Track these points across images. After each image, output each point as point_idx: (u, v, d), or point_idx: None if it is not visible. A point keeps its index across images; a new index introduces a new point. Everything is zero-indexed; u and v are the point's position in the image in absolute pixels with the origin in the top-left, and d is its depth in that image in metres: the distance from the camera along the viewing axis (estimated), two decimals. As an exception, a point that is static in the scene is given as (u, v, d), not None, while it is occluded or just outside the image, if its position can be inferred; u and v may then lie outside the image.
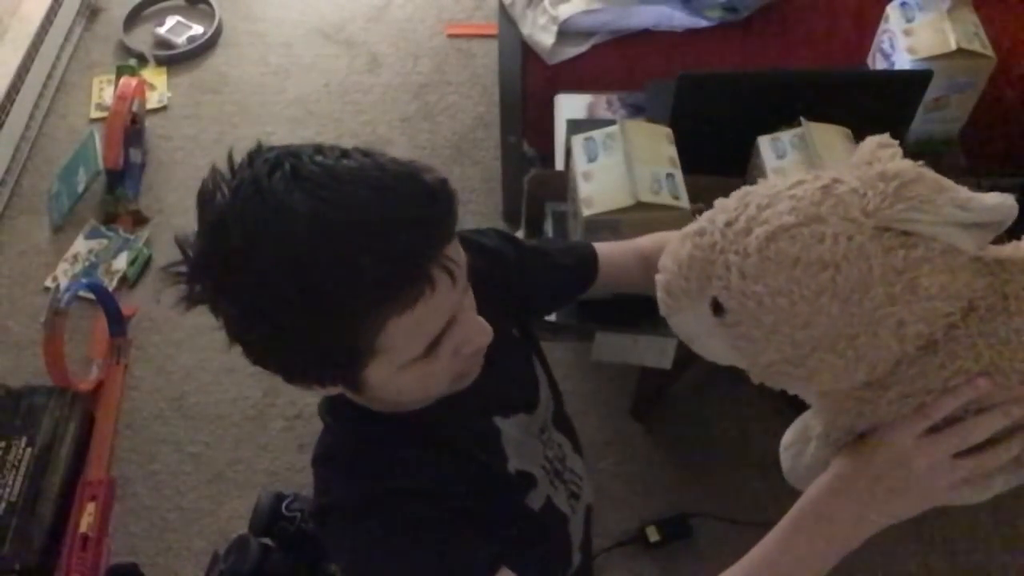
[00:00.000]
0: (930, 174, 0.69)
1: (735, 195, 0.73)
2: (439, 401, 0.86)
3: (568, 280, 1.09)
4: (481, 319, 0.78)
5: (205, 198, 0.69)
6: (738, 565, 0.79)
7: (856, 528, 0.76)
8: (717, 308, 0.71)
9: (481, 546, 0.82)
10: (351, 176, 0.67)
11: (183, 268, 0.70)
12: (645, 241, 1.12)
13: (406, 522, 0.81)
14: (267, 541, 1.06)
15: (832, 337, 0.69)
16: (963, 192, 0.68)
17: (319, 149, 0.70)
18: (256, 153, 0.70)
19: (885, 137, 0.73)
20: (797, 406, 0.84)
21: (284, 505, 1.19)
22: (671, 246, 0.75)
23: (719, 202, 0.74)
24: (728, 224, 0.71)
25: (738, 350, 0.73)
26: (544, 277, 1.05)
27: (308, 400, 0.88)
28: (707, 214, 0.74)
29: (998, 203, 0.67)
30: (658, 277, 0.76)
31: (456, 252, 0.72)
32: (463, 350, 0.77)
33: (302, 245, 0.65)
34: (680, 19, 1.90)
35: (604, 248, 1.09)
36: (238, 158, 0.71)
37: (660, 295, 0.76)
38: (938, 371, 0.70)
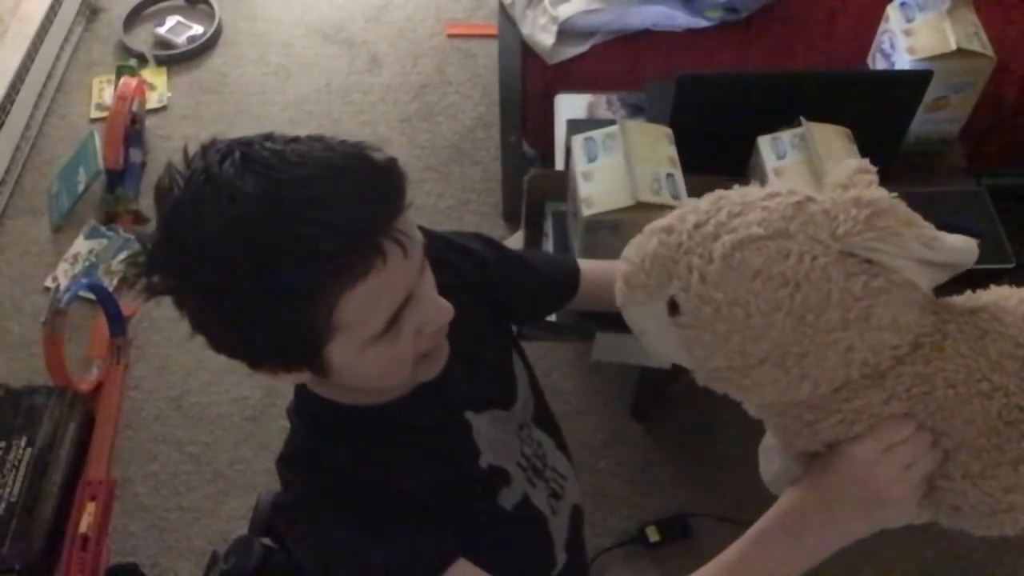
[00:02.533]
0: (902, 207, 0.69)
1: (708, 197, 0.73)
2: (408, 394, 0.86)
3: (547, 292, 1.09)
4: (441, 298, 0.79)
5: (162, 193, 0.71)
6: (699, 573, 0.81)
7: (819, 543, 0.78)
8: (673, 308, 0.72)
9: (434, 541, 0.82)
10: (300, 158, 0.69)
11: (141, 259, 0.71)
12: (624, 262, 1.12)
13: (360, 517, 0.81)
14: (267, 541, 1.06)
15: (781, 352, 0.69)
16: (930, 230, 0.69)
17: (269, 136, 0.72)
18: (208, 146, 0.71)
19: (865, 162, 0.74)
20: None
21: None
22: (637, 238, 0.75)
23: (692, 202, 0.74)
24: (697, 226, 0.71)
25: (688, 351, 0.74)
26: (524, 285, 1.06)
27: (308, 400, 0.89)
28: (677, 212, 0.74)
29: (962, 246, 0.68)
30: (620, 265, 0.76)
31: (408, 227, 0.73)
32: (425, 329, 0.78)
33: (253, 224, 0.66)
34: (680, 19, 1.90)
35: (587, 265, 1.10)
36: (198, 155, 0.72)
37: (619, 284, 0.76)
38: (882, 406, 0.73)
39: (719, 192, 0.74)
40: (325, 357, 0.74)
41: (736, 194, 0.73)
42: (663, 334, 0.74)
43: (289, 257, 0.67)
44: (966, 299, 0.76)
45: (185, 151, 0.72)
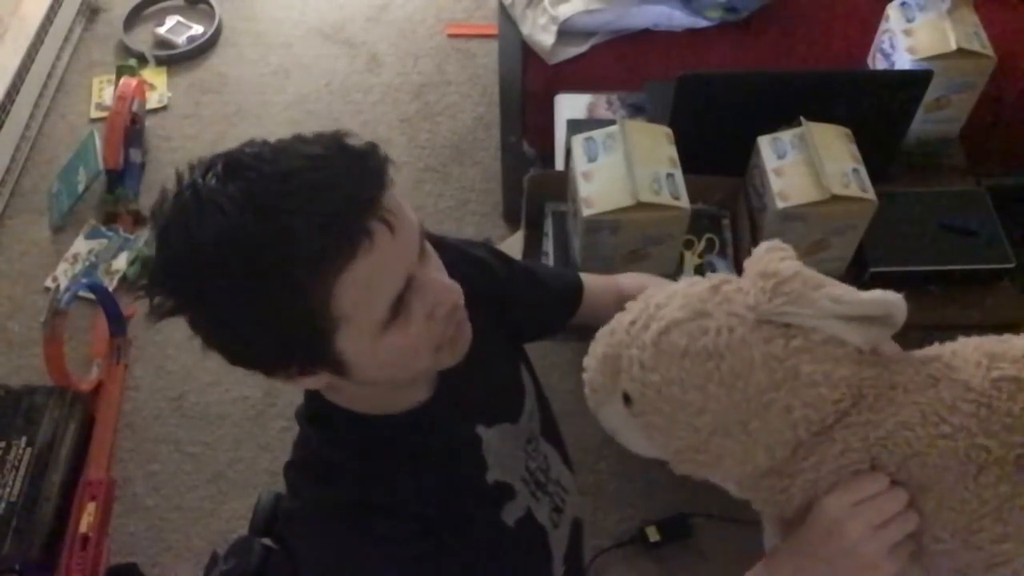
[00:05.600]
0: (809, 273, 0.74)
1: (640, 297, 0.81)
2: (423, 405, 0.86)
3: (553, 307, 1.09)
4: (448, 279, 0.79)
5: (155, 215, 0.72)
6: None
7: None
8: (627, 399, 0.78)
9: (441, 566, 0.82)
10: (276, 154, 0.70)
11: (144, 282, 0.73)
12: (626, 281, 1.13)
13: (371, 536, 0.81)
14: (267, 541, 1.06)
15: (726, 423, 0.74)
16: (839, 288, 0.73)
17: (250, 142, 0.72)
18: (195, 164, 0.72)
19: (776, 242, 0.79)
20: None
21: (284, 505, 1.20)
22: (591, 346, 0.82)
23: (628, 305, 0.81)
24: (632, 323, 0.78)
25: (650, 439, 0.79)
26: (531, 300, 1.05)
27: (308, 400, 0.89)
28: (617, 316, 0.81)
29: (874, 298, 0.72)
30: (584, 375, 0.82)
31: (395, 206, 0.72)
32: (436, 313, 0.77)
33: (238, 226, 0.67)
34: (680, 19, 1.90)
35: (588, 280, 1.10)
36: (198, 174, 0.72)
37: (586, 391, 0.83)
38: (838, 458, 0.75)
39: (649, 291, 0.81)
40: (337, 353, 0.73)
41: (662, 290, 0.80)
42: (628, 428, 0.80)
43: (276, 252, 0.67)
44: (923, 352, 0.79)
45: (177, 173, 0.72)
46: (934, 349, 0.79)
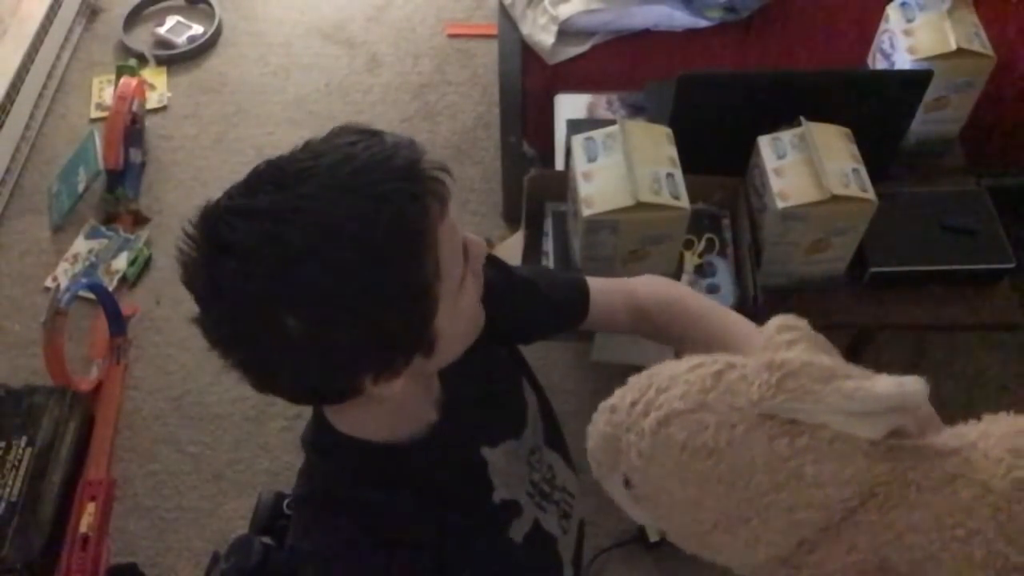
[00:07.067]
0: (818, 363, 0.69)
1: (644, 374, 0.77)
2: (428, 434, 0.85)
3: (554, 319, 1.08)
4: (472, 234, 0.81)
5: (191, 271, 0.68)
6: None
7: None
8: (627, 482, 0.75)
9: None
10: (318, 153, 0.69)
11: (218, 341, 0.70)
12: (641, 288, 1.10)
13: (384, 570, 0.80)
14: (267, 540, 1.07)
15: (727, 519, 0.71)
16: (851, 382, 0.67)
17: (268, 163, 0.70)
18: (211, 208, 0.68)
19: (790, 318, 0.75)
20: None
21: (285, 504, 1.19)
22: (594, 416, 0.78)
23: (632, 379, 0.77)
24: (633, 404, 0.74)
25: (651, 520, 0.76)
26: (531, 313, 1.04)
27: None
28: (620, 390, 0.77)
29: (888, 392, 0.66)
30: (587, 444, 0.79)
31: None
32: (475, 267, 0.79)
33: (336, 216, 0.66)
34: (680, 19, 1.90)
35: (596, 287, 1.08)
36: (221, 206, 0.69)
37: (590, 460, 0.79)
38: (843, 556, 0.71)
39: (653, 368, 0.77)
40: (435, 327, 0.74)
41: (667, 368, 0.75)
42: (629, 505, 0.77)
43: (383, 222, 0.67)
44: (943, 441, 0.74)
45: (189, 224, 0.69)
46: (955, 437, 0.74)
